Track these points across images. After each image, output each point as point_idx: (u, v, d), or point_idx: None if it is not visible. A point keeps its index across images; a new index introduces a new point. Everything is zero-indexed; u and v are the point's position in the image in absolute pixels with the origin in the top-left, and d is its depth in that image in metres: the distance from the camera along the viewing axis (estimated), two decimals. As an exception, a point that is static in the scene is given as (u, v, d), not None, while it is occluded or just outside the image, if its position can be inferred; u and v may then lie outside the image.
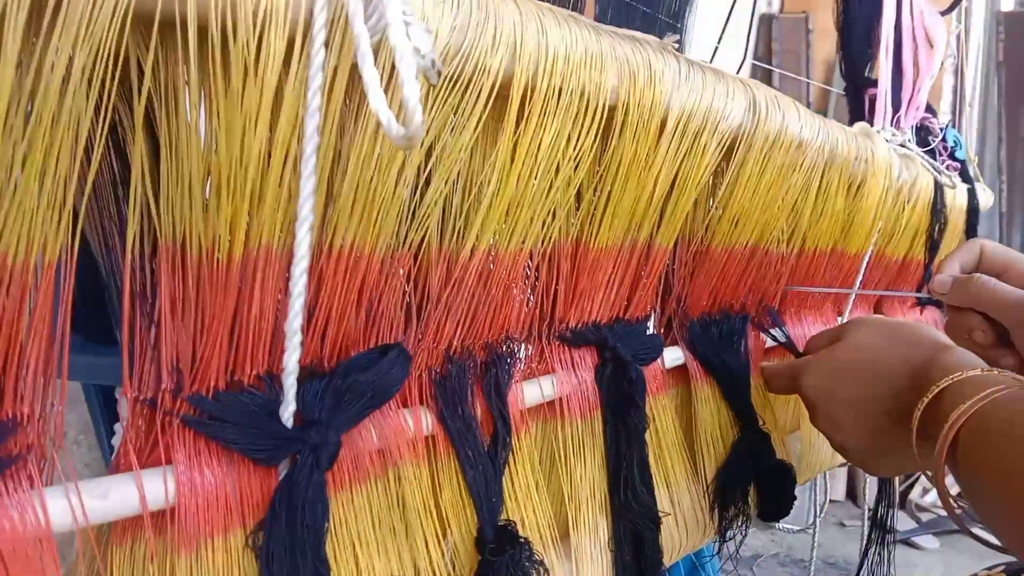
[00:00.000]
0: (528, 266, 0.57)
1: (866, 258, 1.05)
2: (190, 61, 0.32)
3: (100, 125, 0.32)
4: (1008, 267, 0.83)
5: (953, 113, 3.18)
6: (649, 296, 0.69)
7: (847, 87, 1.29)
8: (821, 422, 0.73)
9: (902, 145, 1.16)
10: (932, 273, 1.28)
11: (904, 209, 1.10)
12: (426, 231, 0.48)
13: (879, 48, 1.21)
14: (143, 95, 0.33)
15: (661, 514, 0.63)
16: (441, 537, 0.49)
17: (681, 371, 0.76)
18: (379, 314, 0.46)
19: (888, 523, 1.70)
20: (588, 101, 0.51)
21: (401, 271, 0.47)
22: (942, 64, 1.48)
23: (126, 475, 0.36)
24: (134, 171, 0.34)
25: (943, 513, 3.18)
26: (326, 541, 0.40)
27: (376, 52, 0.35)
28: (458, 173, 0.48)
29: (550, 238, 0.57)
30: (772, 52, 3.23)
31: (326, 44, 0.36)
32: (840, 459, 1.00)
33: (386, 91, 0.37)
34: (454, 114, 0.44)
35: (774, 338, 0.87)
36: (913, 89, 1.28)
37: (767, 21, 3.25)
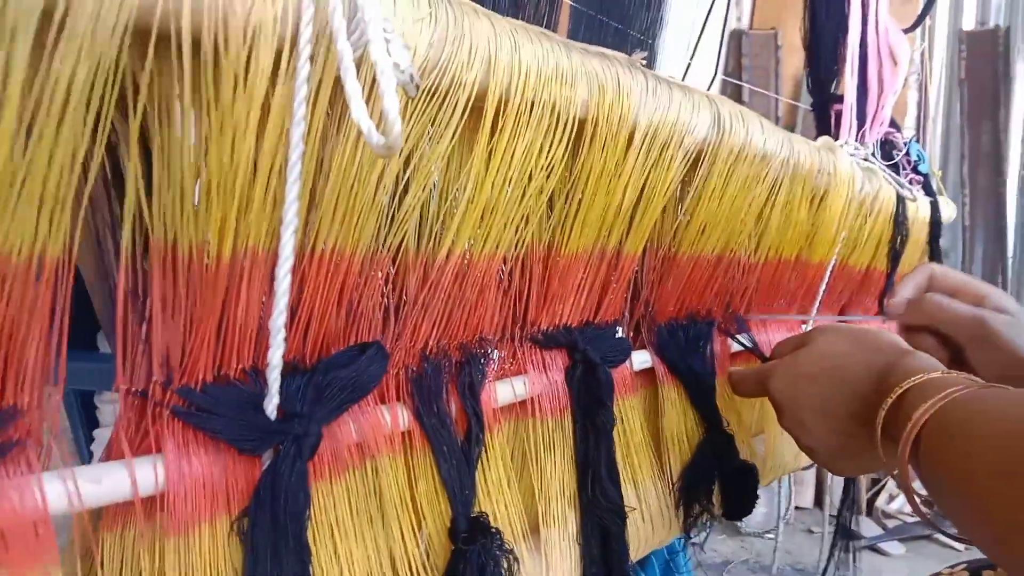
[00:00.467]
0: (502, 270, 0.59)
1: (830, 267, 1.09)
2: (184, 73, 0.35)
3: (99, 134, 0.34)
4: (958, 290, 0.87)
5: (917, 128, 3.25)
6: (618, 301, 0.72)
7: (814, 102, 1.33)
8: (788, 424, 0.76)
9: (865, 159, 1.20)
10: (895, 283, 1.32)
11: (867, 220, 1.14)
12: (404, 236, 0.50)
13: (845, 65, 1.25)
14: (139, 107, 0.35)
15: (628, 509, 0.65)
16: (417, 527, 0.51)
17: (649, 374, 0.79)
18: (358, 314, 0.48)
19: (852, 528, 1.73)
20: (559, 114, 0.54)
21: (380, 273, 0.49)
22: (907, 81, 1.53)
23: (118, 462, 0.38)
24: (129, 178, 0.36)
25: (909, 520, 3.24)
26: (308, 528, 0.42)
27: (358, 66, 0.38)
28: (435, 181, 0.50)
29: (523, 244, 0.59)
30: (742, 68, 3.29)
31: (311, 58, 0.38)
32: (803, 462, 1.03)
33: (367, 103, 0.39)
34: (431, 125, 0.47)
35: (741, 343, 0.90)
36: (877, 105, 1.32)
37: (737, 37, 3.31)
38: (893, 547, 3.06)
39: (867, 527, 3.14)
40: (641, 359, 0.77)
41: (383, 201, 0.46)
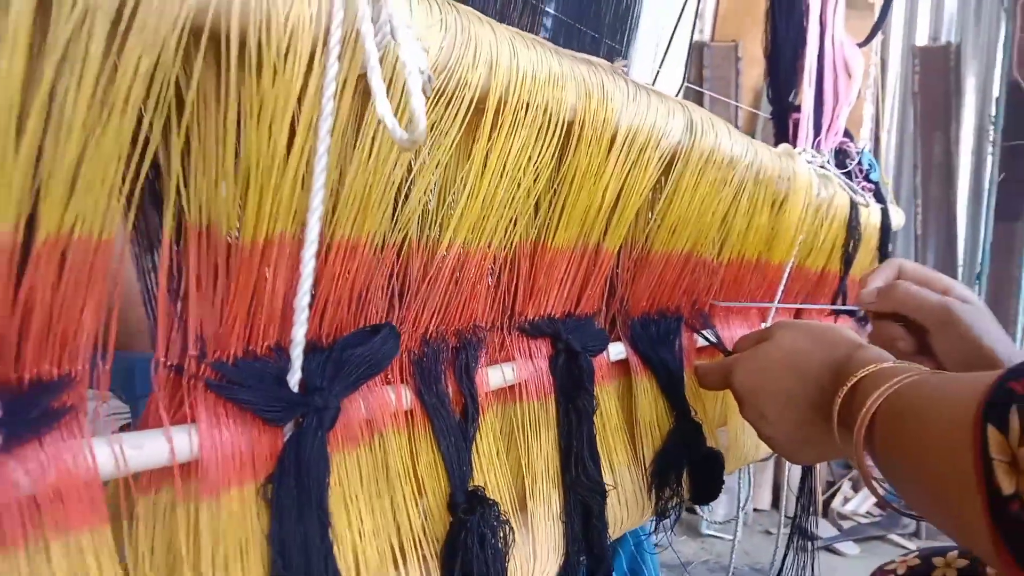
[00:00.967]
0: (493, 264, 0.63)
1: (788, 268, 1.15)
2: (231, 68, 0.38)
3: (153, 121, 0.37)
4: (925, 281, 0.92)
5: (873, 140, 3.36)
6: (596, 295, 0.77)
7: (773, 111, 1.39)
8: (749, 414, 0.80)
9: (821, 166, 1.26)
10: (848, 285, 1.38)
11: (823, 224, 1.20)
12: (408, 228, 0.54)
13: (803, 76, 1.31)
14: (188, 99, 0.38)
15: (607, 487, 0.70)
16: (418, 499, 0.55)
17: (623, 364, 0.83)
18: (368, 299, 0.52)
19: (809, 529, 1.79)
20: (551, 115, 0.58)
21: (387, 262, 0.53)
22: (862, 93, 1.59)
23: (158, 430, 0.41)
24: (172, 165, 0.40)
25: (863, 521, 3.33)
26: (328, 493, 0.46)
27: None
28: (438, 177, 0.54)
29: (514, 238, 0.63)
30: (703, 78, 3.37)
31: (339, 58, 0.42)
32: (764, 451, 1.09)
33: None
34: (438, 123, 0.51)
35: (706, 338, 0.95)
36: (833, 115, 1.38)
37: (699, 48, 3.39)
38: (848, 547, 3.14)
39: (823, 528, 3.22)
40: (616, 350, 0.81)
41: (392, 195, 0.50)
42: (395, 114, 0.43)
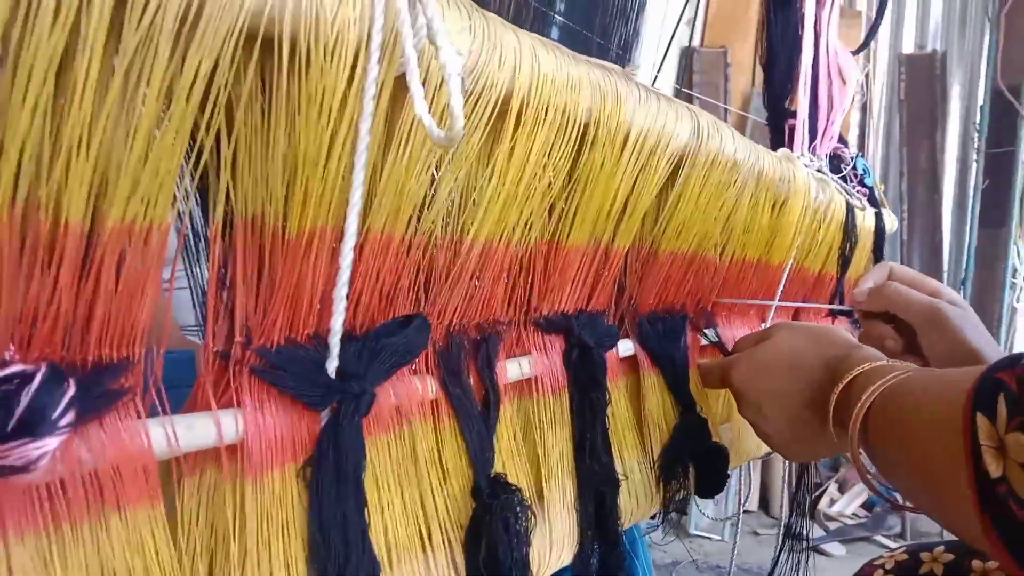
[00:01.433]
0: (512, 260, 0.65)
1: (787, 270, 1.17)
2: (283, 69, 0.40)
3: (209, 118, 0.39)
4: (915, 283, 0.96)
5: (859, 146, 3.40)
6: (607, 292, 0.79)
7: (769, 117, 1.42)
8: (747, 412, 0.83)
9: (819, 170, 1.29)
10: (844, 287, 1.41)
11: (820, 227, 1.23)
12: (435, 225, 0.56)
13: (798, 83, 1.33)
14: (243, 99, 0.41)
15: (620, 477, 0.72)
16: (444, 485, 0.57)
17: (632, 361, 0.85)
18: (397, 292, 0.54)
19: (799, 532, 1.81)
20: (568, 117, 0.60)
21: (415, 258, 0.55)
22: (852, 99, 1.63)
23: (206, 413, 0.43)
24: (224, 160, 0.42)
25: (849, 522, 3.36)
26: (364, 476, 0.48)
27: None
28: (464, 175, 0.56)
29: (531, 237, 0.66)
30: (693, 83, 3.40)
31: (379, 61, 0.44)
32: (765, 449, 1.11)
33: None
34: (466, 123, 0.53)
35: (707, 338, 0.97)
36: (827, 121, 1.41)
37: (688, 54, 3.43)
38: (834, 548, 3.17)
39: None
40: (626, 347, 0.84)
41: (422, 192, 0.52)
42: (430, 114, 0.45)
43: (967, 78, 3.87)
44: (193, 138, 0.40)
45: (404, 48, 0.43)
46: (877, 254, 1.55)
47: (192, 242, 0.45)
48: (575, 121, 0.62)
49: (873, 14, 3.63)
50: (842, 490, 3.58)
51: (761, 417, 0.81)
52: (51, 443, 0.33)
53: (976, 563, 0.82)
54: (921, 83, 3.78)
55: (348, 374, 0.48)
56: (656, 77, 1.25)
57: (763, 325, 1.19)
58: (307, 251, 0.46)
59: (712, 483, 0.90)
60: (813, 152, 1.38)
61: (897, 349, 0.93)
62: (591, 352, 0.72)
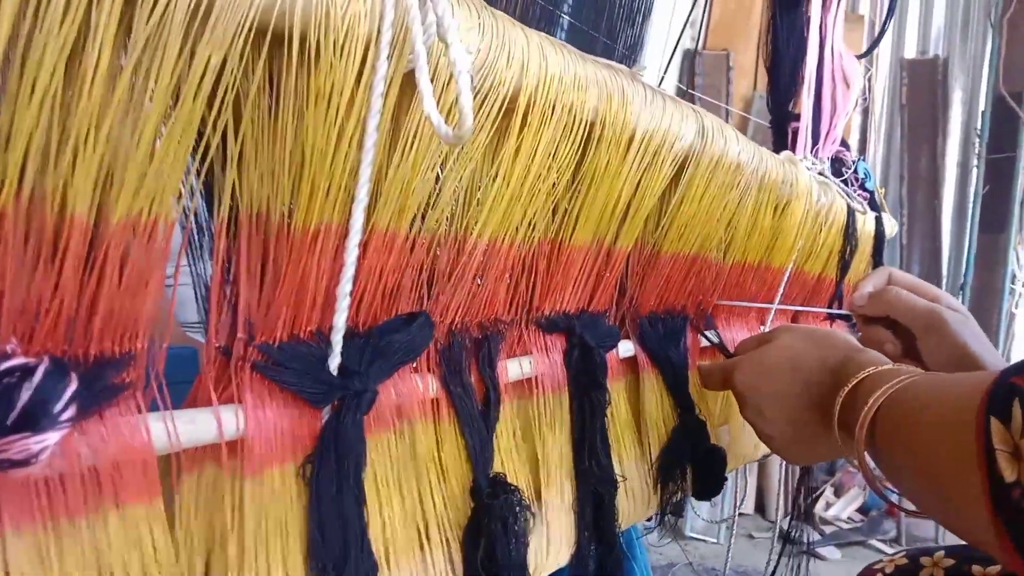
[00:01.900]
0: (515, 259, 0.65)
1: (787, 272, 1.17)
2: (292, 64, 0.40)
3: (217, 113, 0.39)
4: (914, 288, 0.95)
5: (860, 151, 3.40)
6: (608, 292, 0.79)
7: (772, 120, 1.42)
8: (749, 414, 0.83)
9: (820, 173, 1.29)
10: (844, 291, 1.41)
11: (821, 230, 1.23)
12: (439, 223, 0.56)
13: (802, 86, 1.33)
14: (251, 94, 0.40)
15: (619, 478, 0.72)
16: (443, 484, 0.57)
17: (631, 362, 0.85)
18: (401, 289, 0.54)
19: (796, 536, 1.81)
20: (574, 116, 0.60)
21: (419, 256, 0.55)
22: (856, 103, 1.63)
23: (206, 408, 0.43)
24: (230, 155, 0.42)
25: (844, 526, 3.37)
26: (364, 474, 0.48)
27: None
28: (469, 173, 0.56)
29: (535, 236, 0.65)
30: (695, 86, 3.40)
31: (388, 57, 0.44)
32: (762, 452, 1.11)
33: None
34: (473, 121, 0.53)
35: (708, 339, 0.97)
36: (830, 124, 1.41)
37: (690, 56, 3.42)
38: (830, 552, 3.18)
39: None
40: (626, 348, 0.83)
41: (427, 189, 0.52)
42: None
43: (969, 83, 3.87)
44: (200, 133, 0.39)
45: (414, 45, 0.43)
46: (877, 258, 1.55)
47: (196, 237, 0.45)
48: (581, 120, 0.61)
49: (876, 18, 3.64)
50: (838, 494, 3.58)
51: (763, 419, 0.81)
52: (52, 437, 0.33)
53: (976, 568, 0.82)
54: (923, 88, 3.79)
55: (350, 371, 0.48)
56: (662, 79, 1.24)
57: (762, 328, 1.19)
58: (312, 247, 0.45)
59: (710, 485, 0.90)
60: (815, 155, 1.37)
61: (896, 353, 0.93)
62: (592, 352, 0.72)
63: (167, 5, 0.34)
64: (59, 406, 0.33)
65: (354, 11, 0.41)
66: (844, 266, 1.37)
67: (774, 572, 1.87)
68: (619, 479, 0.73)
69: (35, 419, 0.32)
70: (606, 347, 0.75)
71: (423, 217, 0.54)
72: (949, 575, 0.85)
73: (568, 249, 0.69)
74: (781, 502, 2.08)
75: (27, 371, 0.33)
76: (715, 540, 3.13)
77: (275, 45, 0.40)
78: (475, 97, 0.52)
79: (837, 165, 1.47)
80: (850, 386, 0.68)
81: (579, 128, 0.61)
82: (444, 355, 0.58)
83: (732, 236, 0.96)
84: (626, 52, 0.95)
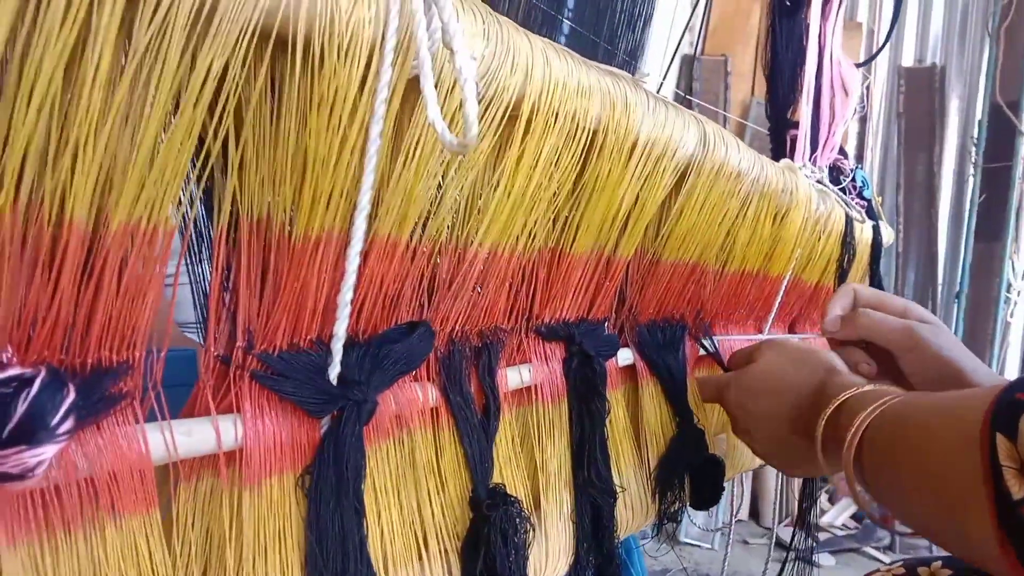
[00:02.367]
0: (516, 268, 0.65)
1: (785, 281, 1.17)
2: (295, 69, 0.39)
3: (219, 119, 0.38)
4: (881, 303, 0.95)
5: (858, 158, 3.41)
6: (608, 301, 0.78)
7: (771, 127, 1.42)
8: (739, 432, 0.85)
9: (819, 181, 1.29)
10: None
11: (820, 239, 1.22)
12: (440, 231, 0.55)
13: (801, 94, 1.33)
14: (253, 100, 0.40)
15: (618, 489, 0.71)
16: (442, 494, 0.56)
17: (630, 370, 0.85)
18: (401, 298, 0.53)
19: (799, 544, 1.81)
20: (577, 123, 0.60)
21: (419, 264, 0.54)
22: (854, 111, 1.63)
23: (205, 419, 0.43)
24: (231, 162, 0.41)
25: (839, 533, 3.36)
26: (363, 485, 0.47)
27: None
28: (471, 182, 0.55)
29: (536, 244, 0.65)
30: (693, 91, 3.40)
31: (392, 63, 0.43)
32: (759, 460, 1.11)
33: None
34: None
35: (706, 349, 0.97)
36: (829, 132, 1.41)
37: (688, 62, 3.42)
38: (823, 559, 3.17)
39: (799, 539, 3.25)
40: (624, 356, 0.83)
41: (429, 197, 0.52)
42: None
43: (966, 92, 3.88)
44: (200, 139, 0.39)
45: (418, 51, 0.42)
46: (874, 267, 1.55)
47: (195, 242, 0.44)
48: (584, 128, 0.61)
49: (875, 26, 3.64)
50: (832, 501, 3.58)
51: (750, 438, 0.83)
52: (49, 451, 0.32)
53: (973, 582, 0.82)
54: (920, 96, 3.79)
55: (350, 381, 0.47)
56: (661, 85, 1.24)
57: (761, 336, 1.18)
58: (313, 255, 0.45)
59: (707, 495, 0.89)
60: (814, 163, 1.37)
61: (871, 373, 0.93)
62: (591, 361, 0.71)
63: (169, 7, 0.33)
64: (56, 418, 0.32)
65: (359, 16, 0.40)
66: (842, 274, 1.37)
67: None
68: (619, 489, 0.72)
69: (32, 432, 0.31)
70: (605, 355, 0.74)
71: (424, 226, 0.54)
72: (947, 586, 0.85)
73: (568, 258, 0.69)
74: (777, 509, 2.07)
75: (24, 382, 0.33)
76: (709, 546, 3.13)
77: (278, 50, 0.40)
78: (479, 104, 0.51)
79: (835, 173, 1.47)
80: (831, 408, 0.69)
81: (582, 136, 0.61)
82: (444, 364, 0.58)
83: (731, 244, 0.96)
84: (627, 58, 0.94)
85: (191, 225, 0.44)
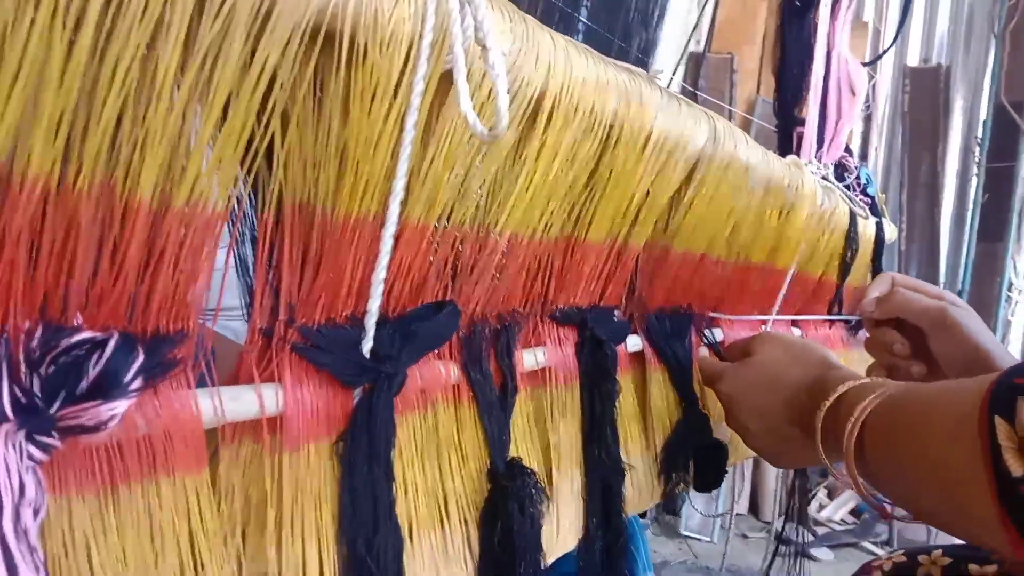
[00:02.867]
0: (533, 255, 0.68)
1: (790, 274, 1.20)
2: (341, 64, 0.43)
3: (271, 109, 0.42)
4: (917, 287, 0.99)
5: (862, 156, 3.43)
6: (619, 289, 0.81)
7: (778, 124, 1.45)
8: (732, 424, 0.87)
9: (824, 178, 1.32)
10: (843, 293, 1.44)
11: (824, 233, 1.25)
12: (465, 217, 0.58)
13: (808, 92, 1.36)
14: (301, 93, 0.43)
15: (626, 466, 0.74)
16: (462, 466, 0.60)
17: (639, 356, 0.88)
18: (427, 281, 0.56)
19: (790, 537, 1.84)
20: (595, 118, 0.63)
21: (445, 247, 0.58)
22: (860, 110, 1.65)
23: (249, 386, 0.46)
24: (278, 147, 0.44)
25: (837, 527, 3.40)
26: (393, 452, 0.51)
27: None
28: (495, 171, 0.58)
29: (553, 232, 0.68)
30: (699, 88, 3.42)
31: (428, 58, 0.46)
32: (761, 448, 1.14)
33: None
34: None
35: (705, 340, 1.00)
36: (835, 130, 1.44)
37: (695, 59, 3.45)
38: (822, 553, 3.20)
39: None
40: (633, 342, 0.86)
41: (459, 184, 0.55)
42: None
43: (970, 92, 3.89)
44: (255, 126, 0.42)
45: (453, 46, 0.45)
46: (876, 263, 1.57)
47: (240, 224, 0.47)
48: (601, 122, 0.64)
49: (881, 26, 3.66)
50: (831, 496, 3.62)
51: (744, 430, 0.85)
52: (121, 405, 0.35)
53: (973, 567, 0.84)
54: (925, 96, 3.81)
55: (382, 355, 0.50)
56: (671, 81, 1.27)
57: (764, 328, 1.21)
58: (350, 236, 0.48)
59: (711, 478, 0.93)
60: (820, 160, 1.40)
61: (905, 352, 0.96)
62: (603, 345, 0.74)
63: (233, 5, 0.37)
64: (128, 376, 0.35)
65: (399, 14, 0.44)
66: (845, 269, 1.40)
67: (768, 571, 1.90)
68: (628, 466, 0.75)
69: (107, 388, 0.35)
70: (616, 341, 0.78)
71: (450, 213, 0.57)
72: (947, 573, 0.87)
73: (582, 247, 0.72)
74: (777, 503, 2.10)
75: (96, 344, 0.36)
76: (709, 539, 3.16)
77: (325, 44, 0.43)
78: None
79: (840, 170, 1.50)
80: (831, 400, 0.71)
81: (599, 129, 0.64)
82: (465, 344, 0.61)
83: (738, 237, 0.99)
84: (640, 54, 0.97)
85: (240, 208, 0.47)
